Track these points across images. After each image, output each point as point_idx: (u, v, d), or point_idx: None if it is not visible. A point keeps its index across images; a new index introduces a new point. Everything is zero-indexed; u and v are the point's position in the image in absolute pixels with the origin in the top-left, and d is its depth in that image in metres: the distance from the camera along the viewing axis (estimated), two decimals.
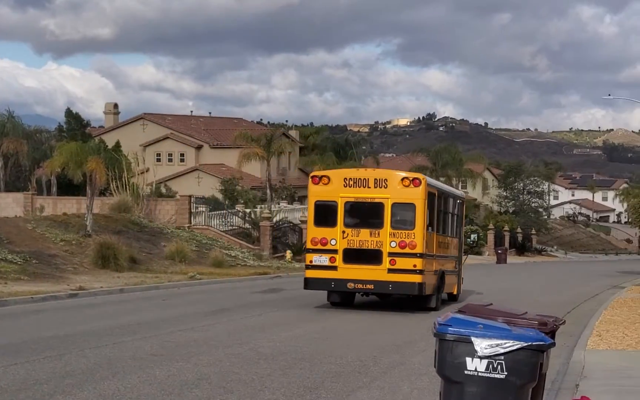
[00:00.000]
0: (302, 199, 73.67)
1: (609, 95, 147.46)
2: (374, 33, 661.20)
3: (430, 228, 24.14)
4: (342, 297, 24.64)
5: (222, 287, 31.07)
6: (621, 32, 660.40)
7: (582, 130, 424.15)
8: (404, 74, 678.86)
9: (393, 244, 23.08)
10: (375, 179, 23.84)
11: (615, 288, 37.09)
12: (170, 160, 77.44)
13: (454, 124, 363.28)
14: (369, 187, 23.75)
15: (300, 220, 52.47)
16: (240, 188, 61.67)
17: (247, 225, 49.75)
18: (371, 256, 23.24)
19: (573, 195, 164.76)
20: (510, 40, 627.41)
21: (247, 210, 51.95)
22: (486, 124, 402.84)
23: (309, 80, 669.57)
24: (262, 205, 56.11)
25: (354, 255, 23.35)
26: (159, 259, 37.09)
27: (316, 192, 24.20)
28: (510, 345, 7.71)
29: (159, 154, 77.45)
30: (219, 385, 11.77)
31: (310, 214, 24.50)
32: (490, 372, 7.77)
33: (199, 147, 78.33)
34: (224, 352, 14.74)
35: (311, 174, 26.12)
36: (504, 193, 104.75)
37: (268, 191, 58.35)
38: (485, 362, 7.77)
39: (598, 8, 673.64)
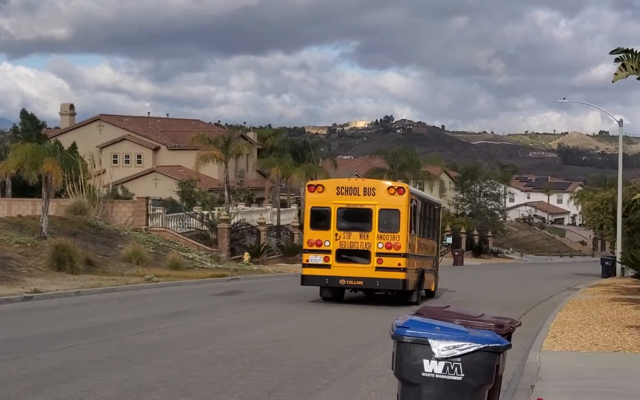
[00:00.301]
0: (260, 201, 73.63)
1: (564, 99, 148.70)
2: (332, 35, 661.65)
3: (412, 231, 26.91)
4: (334, 293, 27.34)
5: (180, 290, 30.95)
6: (576, 36, 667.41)
7: (537, 133, 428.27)
8: (361, 76, 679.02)
9: (380, 245, 25.88)
10: (364, 188, 26.91)
11: (570, 290, 37.51)
12: (127, 161, 76.85)
13: (411, 127, 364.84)
14: (358, 195, 26.59)
15: (258, 222, 52.43)
16: (197, 190, 61.43)
17: (204, 228, 49.59)
18: (361, 256, 26.16)
19: (528, 197, 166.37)
20: (466, 43, 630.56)
21: (205, 213, 51.78)
22: (443, 126, 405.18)
23: (267, 82, 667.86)
24: (220, 208, 55.96)
25: (345, 255, 26.22)
26: (115, 262, 36.83)
27: (312, 199, 27.08)
28: (467, 347, 7.79)
29: (116, 155, 76.83)
30: (177, 388, 11.74)
31: (306, 218, 27.31)
32: (447, 374, 7.83)
33: (156, 149, 77.84)
34: (183, 355, 14.69)
35: (308, 183, 29.76)
36: (461, 195, 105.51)
37: (226, 193, 58.17)
38: (442, 364, 7.84)
39: (553, 12, 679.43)
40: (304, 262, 27.05)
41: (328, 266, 26.23)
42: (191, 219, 50.70)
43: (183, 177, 65.45)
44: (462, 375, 7.81)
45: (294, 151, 76.07)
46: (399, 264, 25.91)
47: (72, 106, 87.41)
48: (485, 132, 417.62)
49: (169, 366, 13.52)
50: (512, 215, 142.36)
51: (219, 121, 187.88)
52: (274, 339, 17.34)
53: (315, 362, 14.38)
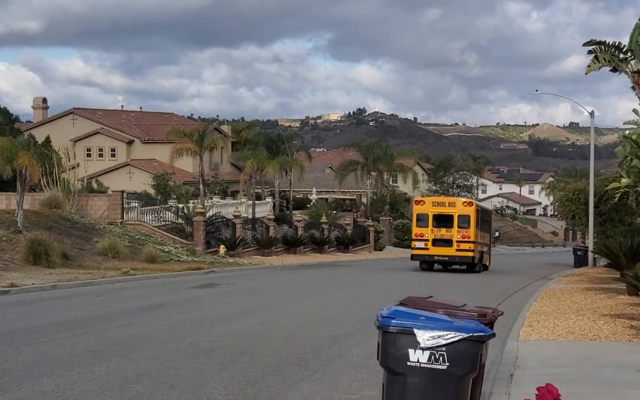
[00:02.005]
0: (235, 194, 73.58)
1: (537, 90, 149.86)
2: (305, 28, 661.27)
3: (477, 228, 43.94)
4: (428, 266, 44.11)
5: (157, 283, 30.93)
6: (547, 28, 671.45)
7: (508, 125, 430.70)
8: (334, 69, 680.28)
9: (458, 236, 43.22)
10: (448, 202, 46.39)
11: (544, 279, 37.91)
12: (100, 155, 76.50)
13: (383, 119, 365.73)
14: (445, 206, 44.93)
15: (233, 215, 52.40)
16: (172, 183, 61.32)
17: (180, 221, 49.49)
18: (446, 242, 43.34)
19: (500, 188, 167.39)
20: (439, 35, 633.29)
21: (180, 206, 51.67)
22: (415, 118, 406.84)
23: (240, 75, 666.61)
24: (195, 201, 55.91)
25: (437, 242, 43.46)
26: (91, 255, 36.74)
27: (417, 209, 45.34)
28: (452, 336, 7.90)
29: (90, 149, 76.48)
30: (159, 381, 11.78)
31: (414, 220, 45.56)
32: (432, 363, 7.94)
33: (130, 142, 77.59)
34: (163, 348, 14.73)
35: (415, 199, 51.30)
36: (434, 187, 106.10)
37: (201, 186, 58.11)
38: (427, 353, 7.94)
39: (525, 4, 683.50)
40: (412, 246, 45.17)
41: (427, 249, 43.62)
42: (167, 212, 50.57)
43: (157, 171, 65.28)
44: (447, 364, 7.92)
45: (268, 144, 76.12)
46: (470, 247, 43.23)
47: (44, 100, 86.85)
48: (457, 124, 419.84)
49: (150, 359, 13.55)
50: (486, 207, 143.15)
51: (191, 114, 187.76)
52: (253, 331, 17.41)
53: (295, 354, 14.46)
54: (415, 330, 7.96)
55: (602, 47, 29.68)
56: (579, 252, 53.36)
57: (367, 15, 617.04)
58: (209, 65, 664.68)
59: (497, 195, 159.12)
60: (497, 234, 69.05)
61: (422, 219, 44.12)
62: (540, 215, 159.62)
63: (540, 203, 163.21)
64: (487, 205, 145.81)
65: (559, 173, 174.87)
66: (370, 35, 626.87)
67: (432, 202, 45.69)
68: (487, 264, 47.72)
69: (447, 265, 44.51)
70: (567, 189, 58.28)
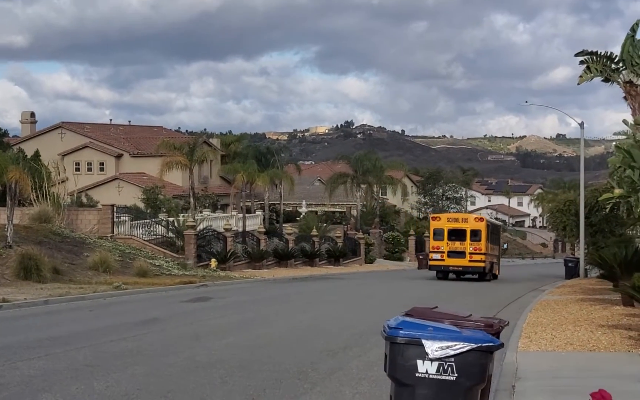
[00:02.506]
0: (225, 207, 73.44)
1: (526, 102, 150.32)
2: (292, 41, 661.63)
3: (487, 241, 48.33)
4: (444, 275, 48.55)
5: (149, 297, 30.75)
6: (534, 40, 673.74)
7: (496, 136, 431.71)
8: (322, 81, 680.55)
9: (471, 248, 47.56)
10: (461, 218, 51.01)
11: (536, 291, 37.89)
12: (89, 169, 76.26)
13: (371, 132, 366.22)
14: (459, 222, 49.38)
15: (224, 229, 52.26)
16: (162, 197, 61.12)
17: (170, 234, 49.30)
18: (460, 254, 47.62)
19: (489, 200, 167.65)
20: (426, 48, 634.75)
21: (171, 219, 51.50)
22: (403, 131, 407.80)
23: (228, 88, 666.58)
24: (185, 214, 55.74)
25: (452, 254, 47.85)
26: (82, 270, 36.53)
27: (433, 224, 50.12)
28: (461, 347, 7.83)
29: (78, 163, 76.23)
30: (160, 395, 11.67)
31: (431, 234, 50.26)
32: (440, 374, 7.87)
33: (119, 156, 77.38)
34: (161, 362, 14.60)
35: (432, 215, 57.31)
36: (424, 199, 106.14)
37: (191, 199, 57.95)
38: (436, 364, 7.88)
39: (511, 16, 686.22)
40: (430, 258, 49.60)
41: (443, 260, 48.23)
42: (157, 226, 50.38)
43: (147, 184, 65.08)
44: (456, 375, 7.85)
45: (257, 157, 76.01)
46: (481, 259, 47.64)
47: (32, 114, 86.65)
48: (444, 136, 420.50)
49: (147, 373, 13.42)
50: None
51: (179, 128, 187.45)
52: (249, 344, 17.28)
53: (294, 367, 14.36)
54: (424, 341, 7.89)
55: (594, 57, 29.80)
56: (570, 264, 53.44)
57: (354, 27, 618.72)
58: (196, 78, 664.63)
59: (486, 207, 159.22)
60: (505, 246, 75.28)
61: (438, 234, 48.86)
62: (529, 226, 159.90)
63: (529, 215, 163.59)
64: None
65: (547, 185, 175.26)
66: (357, 48, 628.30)
67: (447, 218, 50.89)
68: (497, 273, 52.47)
69: (461, 275, 49.05)
70: (558, 200, 58.42)
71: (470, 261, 47.36)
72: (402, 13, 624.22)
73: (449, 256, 47.78)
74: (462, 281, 47.28)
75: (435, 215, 54.58)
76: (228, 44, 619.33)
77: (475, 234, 47.71)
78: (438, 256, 48.25)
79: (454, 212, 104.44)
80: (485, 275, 47.94)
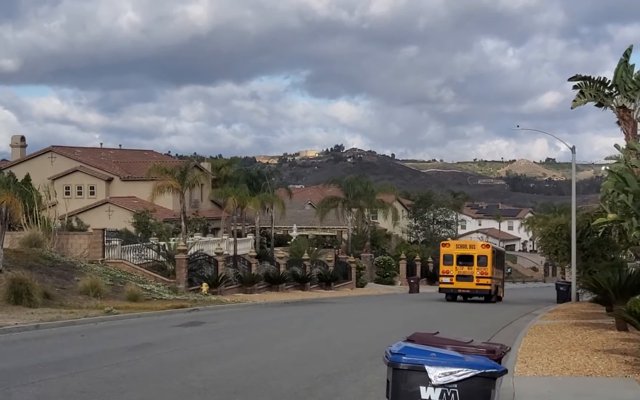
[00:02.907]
0: (215, 231, 73.26)
1: (518, 126, 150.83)
2: (282, 65, 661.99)
3: (493, 266, 52.00)
4: (453, 297, 51.79)
5: (140, 322, 30.55)
6: (523, 64, 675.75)
7: (485, 161, 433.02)
8: (312, 105, 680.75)
9: (478, 272, 51.17)
10: (469, 245, 55.26)
11: (529, 315, 37.80)
12: (79, 193, 76.03)
13: (361, 155, 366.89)
14: (467, 248, 53.47)
15: (215, 253, 52.09)
16: (153, 221, 60.94)
17: (162, 258, 49.12)
18: (468, 278, 51.23)
19: (480, 224, 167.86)
20: (416, 72, 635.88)
21: (162, 243, 51.32)
22: (393, 155, 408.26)
23: (218, 112, 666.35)
24: (176, 238, 55.56)
25: (460, 277, 51.38)
26: (73, 294, 36.28)
27: (443, 250, 53.75)
28: (464, 373, 7.76)
29: (68, 187, 76.00)
30: None
31: (441, 259, 53.40)
32: None
33: (109, 180, 77.21)
34: (155, 387, 14.47)
35: (442, 242, 59.21)
36: (415, 223, 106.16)
37: (183, 223, 57.78)
38: (439, 390, 7.81)
39: (501, 41, 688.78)
40: (440, 281, 53.30)
41: (452, 283, 51.78)
42: (148, 250, 50.19)
43: (137, 208, 64.91)
44: None
45: (248, 181, 75.96)
46: (487, 282, 51.33)
47: (22, 138, 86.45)
48: (434, 160, 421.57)
49: (142, 399, 13.29)
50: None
51: (169, 152, 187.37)
52: (244, 369, 17.15)
53: (290, 392, 14.24)
54: (427, 367, 7.82)
55: (587, 82, 29.91)
56: (561, 288, 53.43)
57: (344, 52, 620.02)
58: (186, 102, 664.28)
59: (477, 231, 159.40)
60: (509, 270, 79.71)
61: (447, 259, 52.34)
62: (519, 250, 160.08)
63: (519, 239, 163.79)
64: (465, 239, 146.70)
65: (537, 208, 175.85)
66: (347, 72, 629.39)
67: (456, 245, 55.40)
68: (501, 296, 55.87)
69: (468, 297, 52.19)
70: (549, 224, 58.49)
71: (477, 284, 51.17)
72: (392, 38, 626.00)
73: (457, 280, 51.41)
74: (454, 304, 47.24)
75: (446, 241, 59.25)
76: (218, 68, 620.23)
77: (482, 260, 51.37)
78: (447, 280, 51.95)
79: (444, 236, 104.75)
80: (490, 297, 51.42)
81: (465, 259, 51.70)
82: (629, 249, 38.53)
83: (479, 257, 51.55)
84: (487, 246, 55.19)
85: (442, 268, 52.92)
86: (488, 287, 51.40)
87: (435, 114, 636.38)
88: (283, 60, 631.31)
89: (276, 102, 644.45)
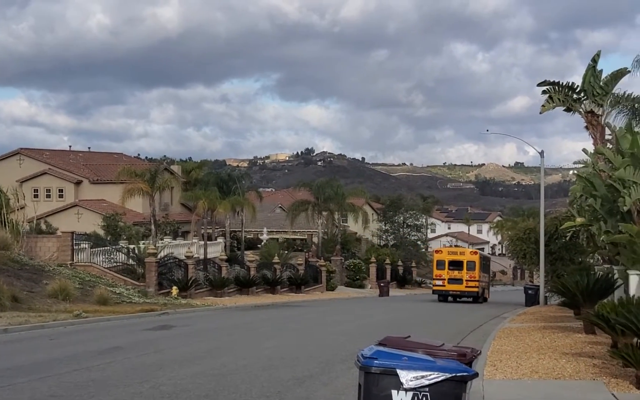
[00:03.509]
0: (186, 234, 73.00)
1: (487, 130, 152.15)
2: (253, 68, 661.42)
3: (480, 270, 57.59)
4: (444, 298, 56.86)
5: (110, 325, 30.41)
6: (493, 69, 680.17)
7: (455, 164, 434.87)
8: (282, 109, 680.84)
9: (467, 276, 56.22)
10: (459, 252, 61.60)
11: (498, 318, 38.02)
12: (48, 196, 75.46)
13: (332, 159, 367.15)
14: (457, 254, 59.03)
15: (185, 256, 51.94)
16: (122, 224, 60.63)
17: (131, 262, 48.89)
18: (458, 281, 56.30)
19: (449, 228, 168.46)
20: (386, 76, 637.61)
21: (131, 247, 51.07)
22: (363, 158, 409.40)
23: (188, 114, 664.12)
24: (146, 241, 55.32)
25: (451, 281, 56.45)
26: (41, 297, 36.03)
27: (436, 256, 59.33)
28: (435, 376, 7.82)
29: (37, 189, 75.42)
30: None
31: (434, 264, 58.67)
32: None
33: (78, 183, 76.70)
34: (125, 392, 14.40)
35: (435, 249, 66.98)
36: (385, 226, 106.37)
37: (153, 227, 57.56)
38: (410, 394, 7.85)
39: (471, 46, 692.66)
40: (434, 284, 58.85)
41: (444, 286, 57.18)
42: (118, 253, 49.94)
43: (107, 211, 64.56)
44: None
45: (219, 184, 75.73)
46: (475, 285, 56.66)
47: None
48: (404, 164, 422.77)
49: None
50: (434, 246, 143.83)
51: (139, 154, 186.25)
52: (214, 373, 17.12)
53: (261, 396, 14.25)
54: (399, 371, 7.87)
55: (556, 87, 30.14)
56: (530, 291, 53.80)
57: (315, 55, 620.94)
58: (156, 105, 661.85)
59: (446, 235, 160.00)
60: (494, 274, 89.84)
61: (440, 264, 57.75)
62: (488, 254, 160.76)
63: (488, 242, 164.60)
64: (435, 244, 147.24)
65: (505, 212, 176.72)
66: (318, 76, 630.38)
67: (448, 252, 61.22)
68: (487, 297, 62.10)
69: (458, 298, 57.28)
70: (518, 228, 59.02)
71: (466, 287, 56.54)
72: (363, 41, 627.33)
73: (449, 283, 56.88)
74: (424, 307, 47.44)
75: (439, 249, 64.73)
76: (189, 70, 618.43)
77: (470, 265, 56.86)
78: (440, 283, 57.62)
79: (414, 239, 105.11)
80: (478, 298, 57.16)
81: (455, 264, 57.01)
82: (597, 253, 38.91)
83: (468, 263, 56.79)
84: (475, 253, 61.54)
85: (435, 272, 58.33)
86: (476, 289, 56.72)
87: (405, 118, 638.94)
88: (254, 63, 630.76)
89: (247, 105, 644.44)
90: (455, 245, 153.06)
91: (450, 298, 56.93)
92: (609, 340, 19.82)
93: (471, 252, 62.61)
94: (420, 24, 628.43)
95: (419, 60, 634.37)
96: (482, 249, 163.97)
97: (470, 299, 56.70)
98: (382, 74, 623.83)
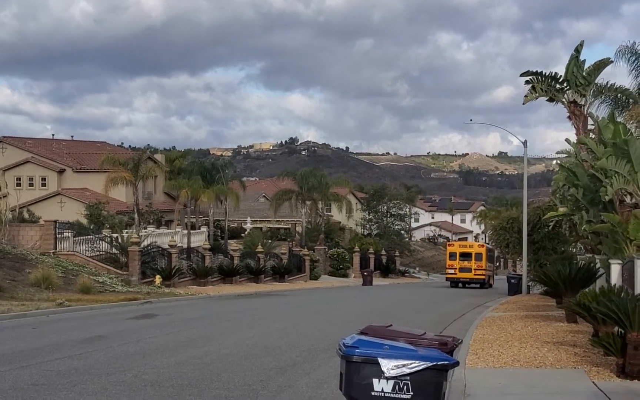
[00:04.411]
0: (169, 223, 72.84)
1: (471, 120, 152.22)
2: (237, 57, 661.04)
3: (486, 260, 66.20)
4: (455, 285, 65.02)
5: (93, 314, 30.34)
6: (477, 58, 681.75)
7: (439, 154, 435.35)
8: (267, 98, 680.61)
9: (475, 266, 65.29)
10: (469, 244, 74.99)
11: (480, 307, 38.16)
12: (31, 184, 75.05)
13: (316, 148, 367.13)
14: (467, 247, 70.21)
15: (169, 245, 51.85)
16: (106, 213, 60.43)
17: (114, 251, 48.77)
18: (467, 270, 65.27)
19: (433, 217, 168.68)
20: (371, 66, 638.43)
21: (115, 235, 50.93)
22: (347, 148, 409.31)
23: (172, 103, 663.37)
24: (129, 230, 55.18)
25: (462, 270, 65.40)
26: (24, 286, 35.92)
27: (449, 249, 69.60)
28: (416, 365, 7.86)
29: (19, 178, 74.99)
30: None
31: (447, 256, 68.67)
32: (396, 393, 7.88)
33: (61, 171, 76.33)
34: (108, 380, 14.41)
35: (447, 243, 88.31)
36: (369, 216, 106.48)
37: (136, 216, 57.41)
38: (391, 383, 7.89)
39: (456, 35, 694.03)
40: (446, 272, 68.21)
41: (455, 274, 65.71)
42: (101, 242, 49.81)
43: (90, 200, 64.32)
44: (411, 393, 7.87)
45: (202, 173, 75.52)
46: (482, 273, 64.85)
47: None
48: (389, 153, 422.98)
49: (96, 392, 13.24)
50: (418, 235, 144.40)
51: (122, 143, 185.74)
52: (197, 362, 17.14)
53: (244, 385, 14.28)
54: (380, 360, 7.90)
55: (539, 77, 30.23)
56: (512, 280, 53.99)
57: (300, 44, 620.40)
58: (140, 93, 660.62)
59: (430, 224, 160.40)
60: (498, 264, 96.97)
61: (452, 255, 67.42)
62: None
63: (472, 232, 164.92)
64: (420, 233, 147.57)
65: (489, 202, 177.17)
66: (302, 65, 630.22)
67: (459, 245, 71.79)
68: (492, 283, 70.06)
69: (467, 284, 65.82)
70: (501, 217, 59.20)
71: (474, 275, 65.29)
72: (348, 31, 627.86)
73: (460, 271, 66.07)
74: (407, 297, 47.52)
75: (451, 242, 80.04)
76: (173, 59, 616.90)
77: (478, 256, 65.79)
78: (452, 271, 66.90)
79: (398, 229, 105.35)
80: (484, 284, 65.39)
81: (465, 256, 66.35)
82: (579, 242, 39.14)
83: (475, 254, 65.92)
84: (482, 246, 71.20)
85: (448, 262, 68.22)
86: (483, 277, 65.36)
87: (389, 108, 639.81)
88: (238, 52, 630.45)
89: (231, 94, 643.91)
90: (449, 238, 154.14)
91: (460, 284, 66.04)
92: (590, 329, 19.95)
93: (479, 245, 73.20)
94: (406, 13, 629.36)
95: (404, 50, 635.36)
96: (466, 238, 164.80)
97: (478, 285, 65.06)
98: (367, 64, 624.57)
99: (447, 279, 68.57)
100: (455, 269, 66.37)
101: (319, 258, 79.49)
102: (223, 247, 68.18)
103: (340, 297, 47.64)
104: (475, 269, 65.37)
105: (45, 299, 33.07)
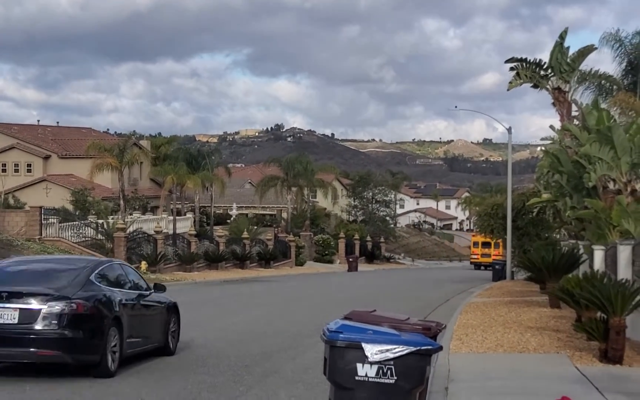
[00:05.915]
0: (155, 210, 72.76)
1: (456, 107, 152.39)
2: (223, 43, 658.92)
3: (503, 248, 62.49)
4: (477, 267, 79.29)
5: None
6: (464, 45, 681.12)
7: (424, 141, 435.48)
8: (253, 84, 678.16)
9: (493, 252, 74.70)
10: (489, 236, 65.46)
11: (465, 293, 38.29)
12: (16, 170, 74.77)
13: (301, 135, 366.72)
14: (486, 238, 65.86)
15: (155, 231, 51.83)
16: (91, 199, 60.32)
17: (100, 237, 48.72)
18: (487, 255, 77.73)
19: (418, 204, 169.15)
20: (357, 52, 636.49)
21: (100, 221, 50.87)
22: (333, 134, 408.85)
23: (158, 89, 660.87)
24: (115, 216, 55.11)
25: (483, 255, 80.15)
26: None
27: (474, 239, 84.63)
28: (400, 350, 7.95)
29: (5, 164, 74.68)
30: None
31: (472, 244, 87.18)
32: (380, 377, 7.98)
33: (47, 157, 76.09)
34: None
35: (472, 234, 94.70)
36: (354, 202, 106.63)
37: (121, 202, 57.35)
38: (375, 367, 7.98)
39: (442, 22, 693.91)
40: (471, 257, 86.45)
41: (478, 258, 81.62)
42: (86, 228, 49.74)
43: (75, 186, 64.16)
44: (395, 378, 7.97)
45: (188, 159, 75.42)
46: (498, 258, 64.29)
47: None
48: (374, 139, 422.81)
49: (83, 378, 13.30)
50: (403, 222, 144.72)
51: (108, 129, 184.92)
52: (182, 347, 17.21)
53: (228, 370, 14.39)
54: (364, 344, 7.99)
55: (524, 64, 30.36)
56: (497, 266, 54.16)
57: (286, 30, 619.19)
58: (126, 79, 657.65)
59: (415, 211, 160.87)
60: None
61: (475, 244, 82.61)
62: (456, 229, 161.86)
63: (456, 218, 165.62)
64: (405, 219, 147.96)
65: (474, 188, 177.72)
66: (289, 51, 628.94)
67: (481, 236, 74.37)
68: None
69: (487, 267, 70.36)
70: (486, 203, 59.20)
71: (493, 259, 69.69)
72: (334, 17, 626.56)
73: (481, 257, 79.89)
74: (393, 283, 47.77)
75: (475, 233, 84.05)
76: (158, 45, 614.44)
77: (496, 245, 71.87)
78: (475, 256, 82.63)
79: (383, 215, 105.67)
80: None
81: (485, 244, 77.62)
82: (563, 228, 39.32)
83: (494, 244, 72.33)
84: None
85: (472, 250, 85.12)
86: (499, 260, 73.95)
87: (375, 94, 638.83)
88: (224, 38, 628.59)
89: (217, 80, 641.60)
90: (434, 224, 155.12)
91: (482, 267, 76.57)
92: (573, 315, 20.10)
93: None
94: (392, 0, 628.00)
95: (390, 36, 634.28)
96: (450, 225, 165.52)
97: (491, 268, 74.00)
98: (353, 50, 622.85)
99: (471, 262, 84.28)
100: (478, 254, 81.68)
101: (305, 244, 79.55)
102: (209, 233, 68.19)
103: (326, 283, 47.79)
104: (493, 255, 74.00)
105: None
